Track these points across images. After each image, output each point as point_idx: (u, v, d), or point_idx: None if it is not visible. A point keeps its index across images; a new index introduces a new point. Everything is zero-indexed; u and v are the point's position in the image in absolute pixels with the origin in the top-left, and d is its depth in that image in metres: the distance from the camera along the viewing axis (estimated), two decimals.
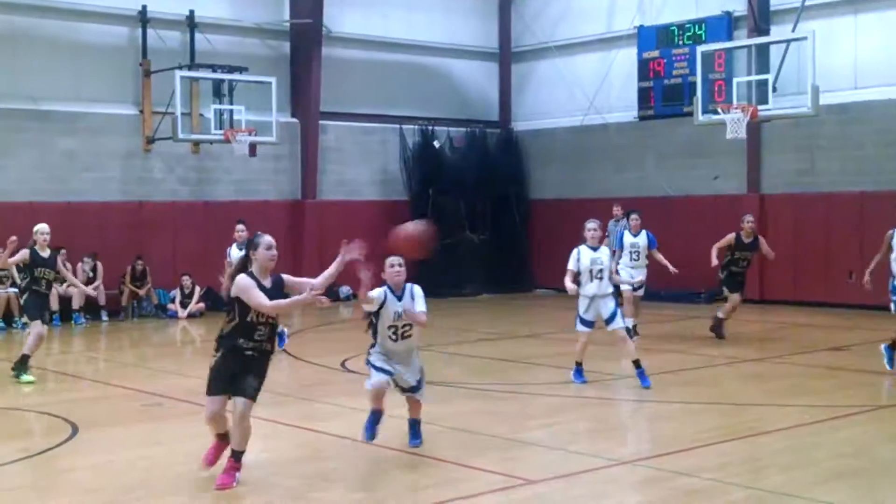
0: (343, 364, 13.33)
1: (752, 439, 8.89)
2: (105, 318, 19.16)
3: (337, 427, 9.46)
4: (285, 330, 14.01)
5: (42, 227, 12.67)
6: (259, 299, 7.28)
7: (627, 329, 14.80)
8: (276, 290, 7.51)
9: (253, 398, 7.47)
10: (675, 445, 8.62)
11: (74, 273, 19.00)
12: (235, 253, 13.47)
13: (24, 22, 19.34)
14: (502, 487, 7.37)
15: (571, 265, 11.45)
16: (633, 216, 15.57)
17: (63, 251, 18.78)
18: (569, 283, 11.39)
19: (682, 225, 21.22)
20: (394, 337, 8.13)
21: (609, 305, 11.38)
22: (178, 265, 20.08)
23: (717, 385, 11.65)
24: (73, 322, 18.63)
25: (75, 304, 18.78)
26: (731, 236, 15.22)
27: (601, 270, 11.32)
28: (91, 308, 19.09)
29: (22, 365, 12.32)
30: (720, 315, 15.19)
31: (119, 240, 19.68)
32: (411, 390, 8.42)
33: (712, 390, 11.18)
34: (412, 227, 8.44)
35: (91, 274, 19.17)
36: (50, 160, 19.48)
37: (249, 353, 7.45)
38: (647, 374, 11.37)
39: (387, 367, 8.22)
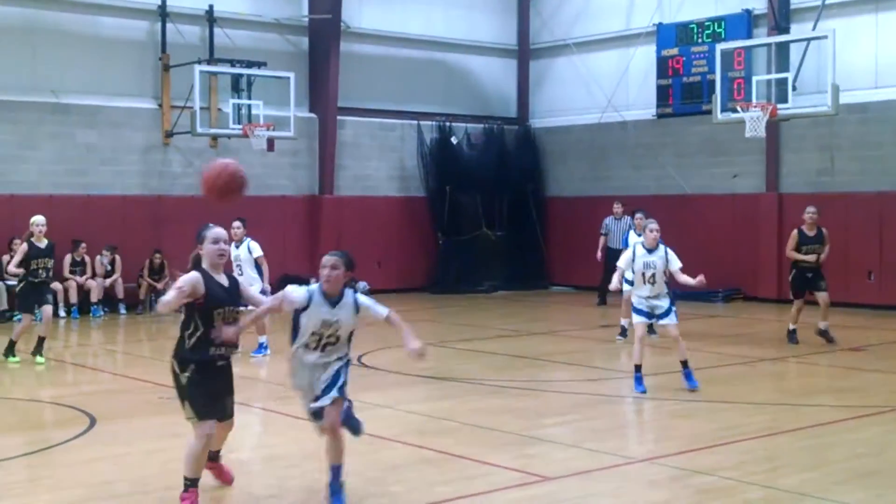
0: (360, 359, 13.34)
1: (769, 439, 8.86)
2: (123, 311, 19.25)
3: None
4: (265, 340, 13.77)
5: (38, 219, 13.07)
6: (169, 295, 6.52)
7: (624, 329, 14.82)
8: (234, 292, 6.88)
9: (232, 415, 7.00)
10: (691, 444, 8.60)
11: (93, 266, 19.17)
12: (234, 252, 13.46)
13: (45, 16, 19.42)
14: (518, 484, 7.37)
15: (622, 263, 11.15)
16: (639, 215, 15.28)
17: (83, 245, 18.97)
18: (615, 281, 11.14)
19: (700, 224, 21.19)
20: (314, 345, 6.83)
21: (663, 304, 11.02)
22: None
23: (735, 384, 11.61)
24: (91, 315, 18.73)
25: (94, 297, 18.89)
26: (794, 233, 14.62)
27: (654, 275, 10.93)
28: (109, 301, 19.19)
29: (9, 350, 12.91)
30: (790, 326, 14.69)
31: (137, 233, 19.76)
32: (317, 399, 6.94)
33: (729, 389, 11.15)
34: (211, 172, 6.87)
35: (109, 267, 19.26)
36: (70, 153, 19.57)
37: (221, 363, 6.84)
38: (665, 372, 11.34)
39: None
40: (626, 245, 15.26)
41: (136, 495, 7.09)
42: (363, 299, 6.89)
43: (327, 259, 6.80)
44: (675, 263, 11.03)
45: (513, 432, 9.01)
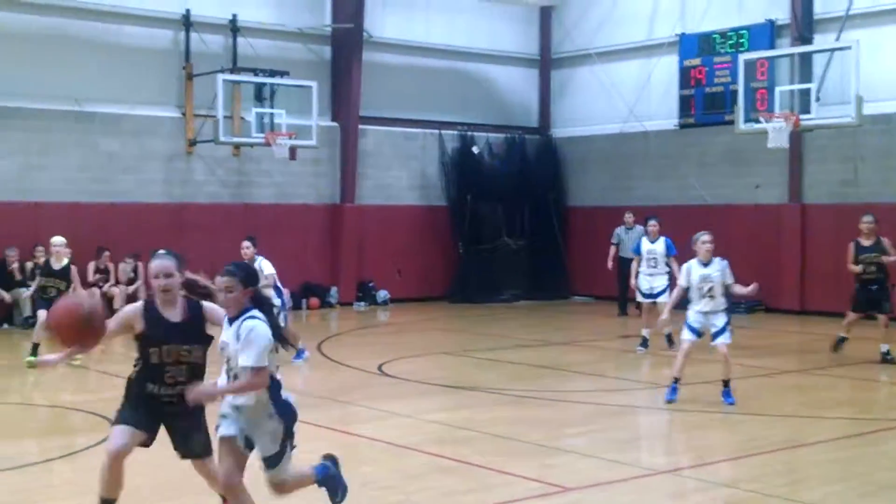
0: (380, 368, 13.37)
1: (791, 451, 8.81)
2: None
3: (374, 430, 9.48)
4: (304, 348, 13.82)
5: (56, 240, 13.57)
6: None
7: (645, 340, 14.72)
8: (190, 325, 6.11)
9: (208, 454, 6.30)
10: (713, 456, 8.57)
11: (116, 273, 19.27)
12: None
13: (69, 24, 19.57)
14: (539, 494, 7.35)
15: (682, 281, 10.94)
16: (652, 222, 15.23)
17: (107, 253, 19.08)
18: (674, 297, 11.00)
19: (722, 234, 20.96)
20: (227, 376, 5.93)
21: (719, 322, 10.79)
22: (218, 267, 20.10)
23: (757, 396, 11.54)
24: None
25: (117, 304, 18.94)
26: (850, 246, 14.05)
27: (711, 289, 10.74)
28: None
29: (34, 352, 13.04)
30: (841, 334, 14.30)
31: (160, 241, 19.61)
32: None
33: (752, 401, 11.09)
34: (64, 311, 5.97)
35: (133, 274, 19.36)
36: (93, 161, 19.69)
37: (168, 400, 6.13)
38: (687, 383, 11.28)
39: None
40: (637, 252, 15.24)
41: (160, 502, 7.11)
42: (247, 326, 5.74)
43: (219, 280, 5.90)
44: (730, 277, 10.90)
45: (533, 442, 9.00)
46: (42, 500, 7.18)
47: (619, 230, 19.84)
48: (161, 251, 6.28)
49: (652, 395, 11.96)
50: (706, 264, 10.86)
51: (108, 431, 9.26)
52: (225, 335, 5.87)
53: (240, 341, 5.70)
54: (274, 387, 5.86)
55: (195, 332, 6.10)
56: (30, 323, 17.88)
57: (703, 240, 10.98)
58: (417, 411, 10.43)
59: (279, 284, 13.84)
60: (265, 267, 13.62)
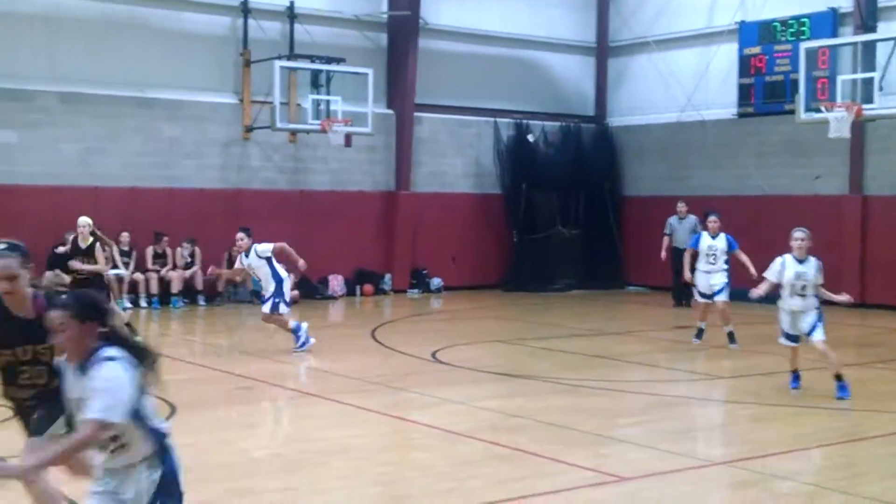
0: (434, 355, 13.39)
1: (850, 445, 8.69)
2: (202, 302, 19.56)
3: (427, 417, 9.49)
4: (307, 337, 13.62)
5: (82, 220, 13.72)
6: None
7: (700, 331, 14.43)
8: (36, 327, 5.19)
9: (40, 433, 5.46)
10: (770, 448, 8.46)
11: (174, 258, 19.51)
12: (245, 262, 13.56)
13: (130, 10, 19.77)
14: (594, 483, 7.32)
15: (771, 275, 10.48)
16: (712, 217, 14.63)
17: (165, 238, 19.32)
18: (760, 291, 10.34)
19: (780, 226, 20.72)
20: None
21: (810, 319, 10.41)
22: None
23: (815, 389, 11.37)
24: (171, 305, 19.07)
25: (174, 289, 19.22)
26: None
27: (805, 287, 10.32)
28: (189, 292, 19.52)
29: None
30: None
31: (217, 226, 20.02)
32: None
33: (809, 394, 10.93)
34: None
35: (189, 259, 19.57)
36: (153, 146, 19.91)
37: (30, 402, 5.54)
38: (743, 375, 11.17)
39: None
40: (695, 247, 14.80)
41: (211, 483, 7.18)
42: (104, 372, 4.30)
43: (48, 316, 4.52)
44: (821, 277, 10.47)
45: (587, 431, 8.95)
46: None
47: (672, 220, 19.70)
48: (1, 245, 5.42)
49: (707, 387, 11.85)
50: (801, 261, 10.39)
51: (164, 412, 9.40)
52: (74, 389, 4.44)
53: (93, 381, 4.29)
54: (156, 440, 4.54)
55: (38, 335, 5.16)
56: None
57: (797, 236, 10.45)
58: (471, 398, 10.43)
59: (279, 271, 13.67)
60: (262, 250, 13.53)
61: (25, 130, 18.60)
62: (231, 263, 20.04)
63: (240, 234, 13.82)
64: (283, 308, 13.55)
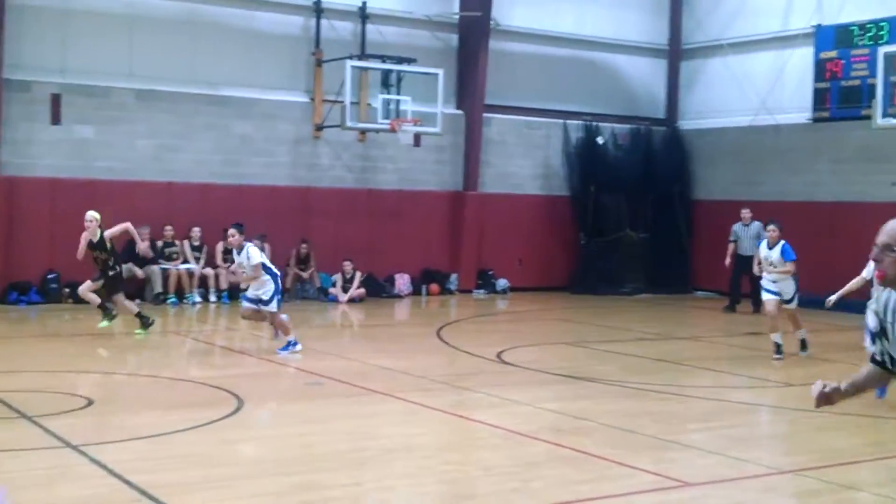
0: (499, 355, 13.39)
1: None
2: None
3: (492, 417, 9.49)
4: (295, 340, 13.38)
5: (88, 214, 14.08)
6: None
7: (779, 347, 14.01)
8: None
9: None
10: (840, 457, 8.32)
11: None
12: (237, 259, 13.45)
13: (204, 10, 20.07)
14: (658, 488, 7.26)
15: (867, 273, 10.28)
16: (771, 227, 13.94)
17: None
18: (849, 287, 10.22)
19: (855, 233, 20.39)
20: None
21: None
22: (341, 250, 20.52)
23: (889, 398, 11.15)
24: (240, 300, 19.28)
25: (242, 285, 19.40)
26: None
27: None
28: None
29: (144, 324, 14.42)
30: None
31: (286, 223, 20.25)
32: None
33: (881, 404, 10.72)
34: None
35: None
36: (225, 144, 20.18)
37: None
38: (807, 383, 10.94)
39: None
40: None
41: (280, 476, 7.28)
42: None
43: None
44: None
45: (652, 435, 8.88)
46: (174, 469, 7.42)
47: (737, 227, 19.54)
48: None
49: (775, 394, 11.69)
50: None
51: (232, 405, 9.53)
52: None
53: None
54: None
55: None
56: (161, 299, 18.51)
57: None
58: (536, 400, 10.40)
59: (272, 268, 13.50)
60: (252, 256, 13.22)
61: (102, 126, 18.99)
62: (299, 260, 20.30)
63: (231, 230, 13.45)
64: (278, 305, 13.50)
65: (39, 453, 7.74)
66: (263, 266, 13.33)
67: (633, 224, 23.81)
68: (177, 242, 19.37)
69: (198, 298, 18.88)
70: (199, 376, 11.63)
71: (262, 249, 19.70)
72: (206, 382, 10.96)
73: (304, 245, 20.25)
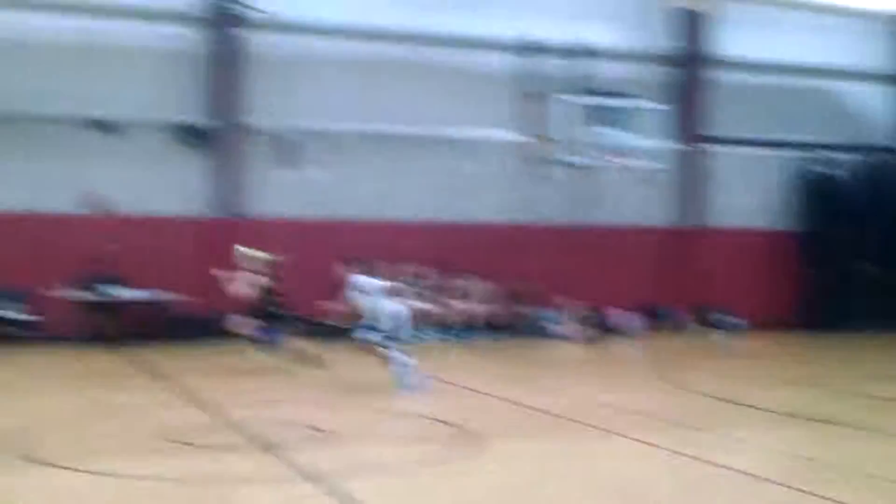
0: (730, 395, 12.86)
1: None
2: (491, 335, 19.76)
3: (732, 460, 9.06)
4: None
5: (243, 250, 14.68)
6: None
7: None
8: None
9: None
10: None
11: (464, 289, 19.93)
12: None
13: (426, 53, 20.67)
14: None
15: None
16: None
17: (453, 272, 19.80)
18: None
19: None
20: None
21: None
22: (560, 287, 20.37)
23: None
24: (462, 336, 19.40)
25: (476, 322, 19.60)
26: None
27: None
28: (488, 325, 19.82)
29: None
30: None
31: (502, 259, 20.32)
32: None
33: None
34: None
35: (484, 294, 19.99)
36: (443, 182, 20.58)
37: None
38: None
39: None
40: None
41: None
42: None
43: None
44: None
45: None
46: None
47: None
48: None
49: None
50: None
51: (470, 444, 9.48)
52: None
53: None
54: None
55: None
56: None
57: None
58: (776, 441, 9.89)
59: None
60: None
61: (334, 168, 19.80)
62: (517, 297, 20.27)
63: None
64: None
65: (287, 485, 7.89)
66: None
67: (867, 257, 22.65)
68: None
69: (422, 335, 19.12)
70: (425, 411, 11.66)
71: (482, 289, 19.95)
72: (433, 417, 10.97)
73: (522, 282, 20.23)
